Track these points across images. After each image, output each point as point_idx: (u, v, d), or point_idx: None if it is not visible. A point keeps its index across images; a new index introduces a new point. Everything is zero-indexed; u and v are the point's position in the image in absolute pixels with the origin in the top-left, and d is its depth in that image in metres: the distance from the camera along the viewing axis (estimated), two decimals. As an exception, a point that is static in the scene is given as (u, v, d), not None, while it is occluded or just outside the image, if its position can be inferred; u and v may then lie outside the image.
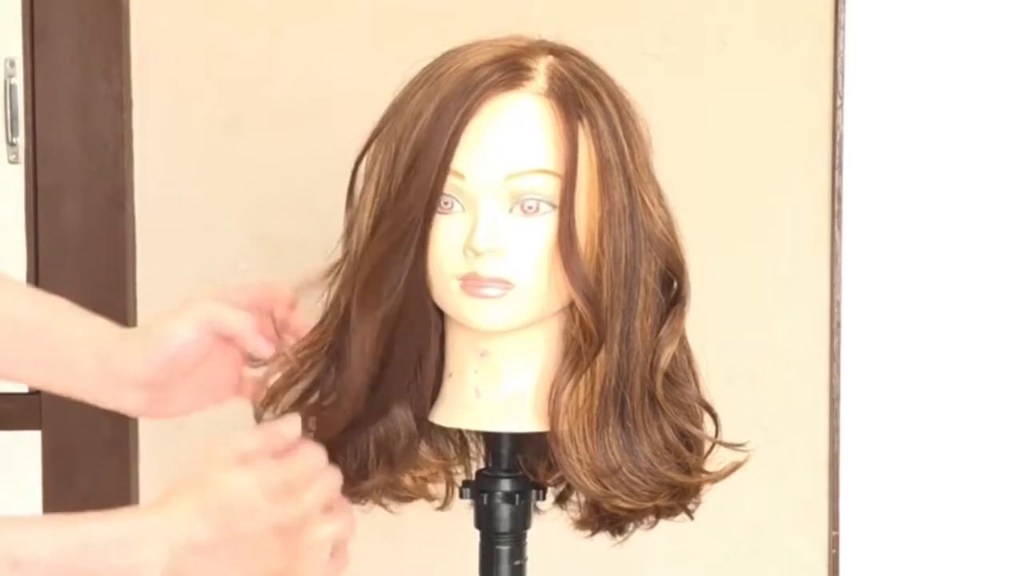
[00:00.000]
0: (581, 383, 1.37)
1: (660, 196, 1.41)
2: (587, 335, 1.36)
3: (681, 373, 1.43)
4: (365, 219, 1.38)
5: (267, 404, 1.44)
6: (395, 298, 1.35)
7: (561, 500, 1.51)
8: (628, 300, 1.36)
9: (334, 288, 1.43)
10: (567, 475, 1.39)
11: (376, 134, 1.40)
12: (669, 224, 1.41)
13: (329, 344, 1.41)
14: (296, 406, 1.42)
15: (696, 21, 2.25)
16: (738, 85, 2.25)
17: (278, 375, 1.44)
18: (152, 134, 2.24)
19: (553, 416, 1.37)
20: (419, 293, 1.37)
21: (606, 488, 1.38)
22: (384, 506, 1.51)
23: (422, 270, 1.36)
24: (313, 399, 1.42)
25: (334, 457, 1.33)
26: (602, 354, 1.36)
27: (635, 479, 1.38)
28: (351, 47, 2.23)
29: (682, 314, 1.43)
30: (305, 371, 1.42)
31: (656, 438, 1.40)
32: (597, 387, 1.37)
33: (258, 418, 1.47)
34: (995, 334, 2.24)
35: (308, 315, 1.48)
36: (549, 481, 1.49)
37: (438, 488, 1.53)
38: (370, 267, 1.36)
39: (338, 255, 1.45)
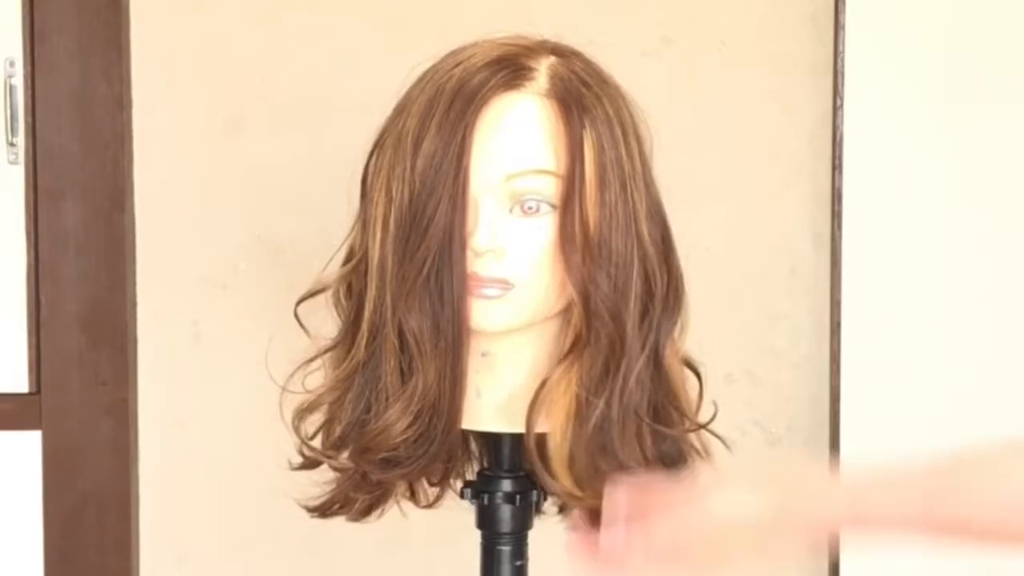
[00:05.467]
0: (572, 381, 1.37)
1: (656, 201, 1.41)
2: (587, 334, 1.36)
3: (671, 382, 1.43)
4: (379, 228, 1.37)
5: (325, 441, 1.44)
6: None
7: (564, 509, 1.51)
8: (622, 302, 1.36)
9: (349, 302, 1.42)
10: (546, 468, 1.40)
11: (383, 136, 1.40)
12: (665, 229, 1.41)
13: (362, 362, 1.40)
14: (350, 430, 1.42)
15: (696, 21, 2.25)
16: (738, 85, 2.25)
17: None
18: (152, 134, 2.24)
19: (533, 414, 1.37)
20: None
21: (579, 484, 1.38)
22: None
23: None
24: (367, 417, 1.41)
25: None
26: (590, 354, 1.37)
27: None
28: (351, 47, 2.23)
29: (673, 320, 1.43)
30: (344, 394, 1.42)
31: (635, 448, 1.40)
32: (582, 386, 1.37)
33: (302, 453, 1.46)
34: (995, 334, 2.24)
35: (311, 319, 1.48)
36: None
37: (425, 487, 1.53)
38: (408, 289, 1.35)
39: (342, 257, 1.45)
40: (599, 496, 1.35)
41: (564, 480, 1.38)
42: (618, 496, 1.30)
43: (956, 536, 1.29)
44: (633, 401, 1.38)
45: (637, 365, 1.37)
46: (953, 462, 1.29)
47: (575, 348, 1.37)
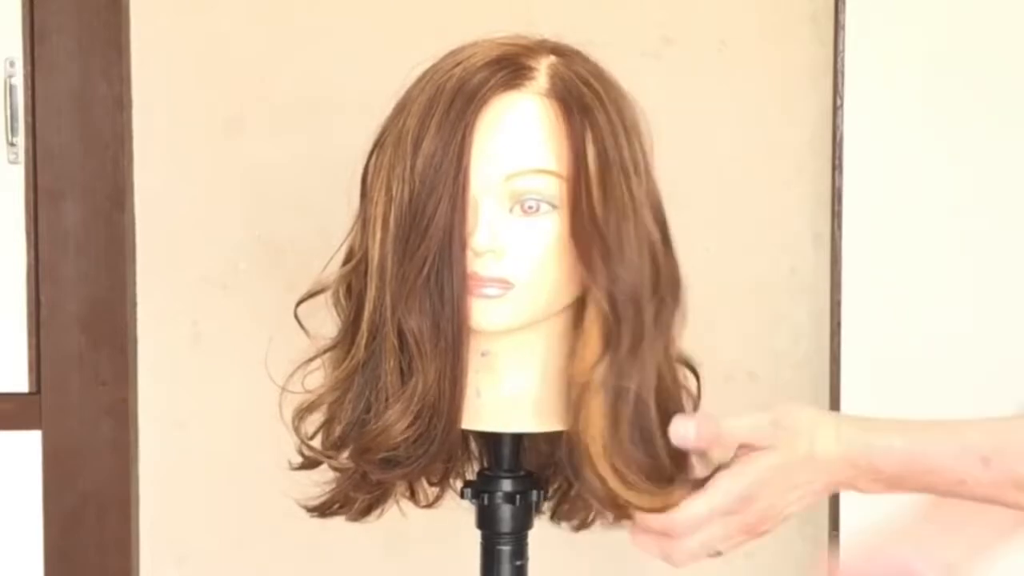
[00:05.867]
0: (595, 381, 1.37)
1: (657, 197, 1.41)
2: (617, 330, 1.36)
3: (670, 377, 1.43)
4: (378, 227, 1.37)
5: (325, 442, 1.44)
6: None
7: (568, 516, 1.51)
8: (642, 294, 1.37)
9: (349, 302, 1.42)
10: (590, 473, 1.39)
11: (382, 135, 1.40)
12: (664, 224, 1.41)
13: (361, 362, 1.40)
14: (350, 430, 1.41)
15: (696, 21, 2.25)
16: (738, 85, 2.25)
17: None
18: (152, 134, 2.25)
19: (577, 420, 1.37)
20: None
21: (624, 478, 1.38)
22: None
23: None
24: (367, 417, 1.40)
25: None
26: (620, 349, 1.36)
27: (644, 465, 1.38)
28: (351, 47, 2.23)
29: (676, 312, 1.43)
30: (344, 394, 1.42)
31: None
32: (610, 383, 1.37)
33: (302, 453, 1.46)
34: (995, 334, 2.24)
35: (311, 319, 1.48)
36: (554, 483, 1.49)
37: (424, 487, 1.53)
38: (408, 289, 1.35)
39: (342, 257, 1.45)
40: (643, 495, 1.36)
41: (612, 482, 1.37)
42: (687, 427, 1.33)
43: (1009, 496, 1.26)
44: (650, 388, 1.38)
45: (657, 353, 1.38)
46: (1009, 421, 1.28)
47: (609, 347, 1.36)
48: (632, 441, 1.36)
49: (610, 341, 1.36)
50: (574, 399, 1.36)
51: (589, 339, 1.37)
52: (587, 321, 1.37)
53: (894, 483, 1.30)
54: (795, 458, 1.31)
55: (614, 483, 1.36)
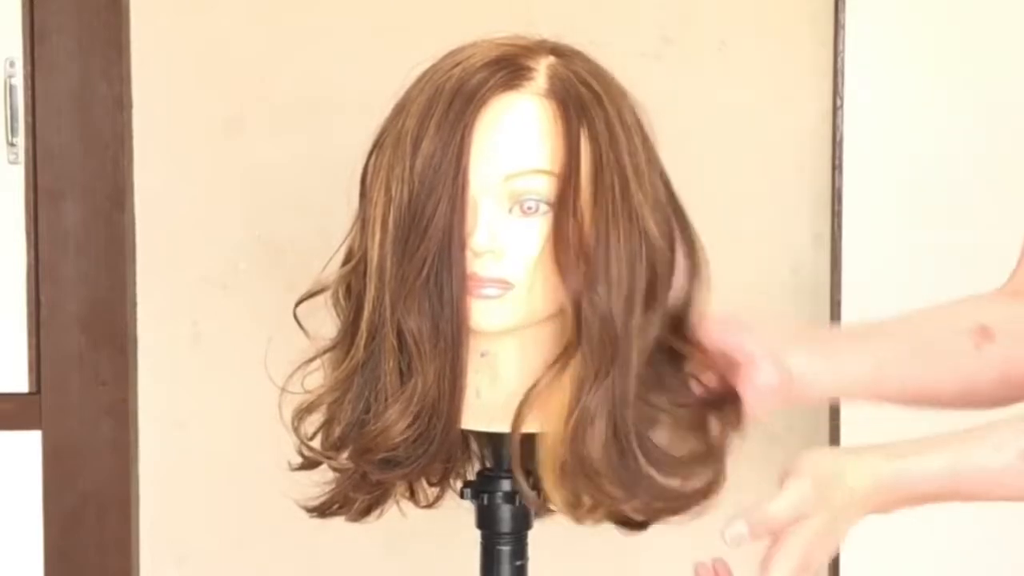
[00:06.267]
0: (564, 383, 1.36)
1: (663, 196, 1.40)
2: (578, 337, 1.36)
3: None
4: (378, 228, 1.37)
5: (324, 443, 1.44)
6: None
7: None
8: (616, 303, 1.36)
9: (349, 303, 1.42)
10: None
11: (382, 135, 1.40)
12: (665, 230, 1.40)
13: (361, 362, 1.40)
14: (350, 430, 1.41)
15: (696, 21, 2.25)
16: (738, 85, 2.25)
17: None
18: (152, 134, 2.25)
19: (519, 418, 1.37)
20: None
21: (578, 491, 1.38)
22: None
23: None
24: (366, 417, 1.40)
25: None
26: (583, 356, 1.36)
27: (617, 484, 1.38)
28: (351, 47, 2.23)
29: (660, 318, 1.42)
30: (344, 394, 1.41)
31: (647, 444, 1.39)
32: (577, 390, 1.36)
33: (302, 454, 1.46)
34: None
35: (311, 319, 1.48)
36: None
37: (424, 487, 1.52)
38: (407, 289, 1.35)
39: (341, 257, 1.45)
40: (579, 513, 1.37)
41: (549, 485, 1.37)
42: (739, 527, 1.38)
43: None
44: (628, 403, 1.36)
45: (632, 366, 1.36)
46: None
47: (566, 352, 1.36)
48: (582, 449, 1.36)
49: (569, 346, 1.35)
50: (531, 396, 1.36)
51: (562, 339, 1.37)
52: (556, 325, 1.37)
53: (928, 499, 1.30)
54: (836, 510, 1.31)
55: (553, 491, 1.37)
